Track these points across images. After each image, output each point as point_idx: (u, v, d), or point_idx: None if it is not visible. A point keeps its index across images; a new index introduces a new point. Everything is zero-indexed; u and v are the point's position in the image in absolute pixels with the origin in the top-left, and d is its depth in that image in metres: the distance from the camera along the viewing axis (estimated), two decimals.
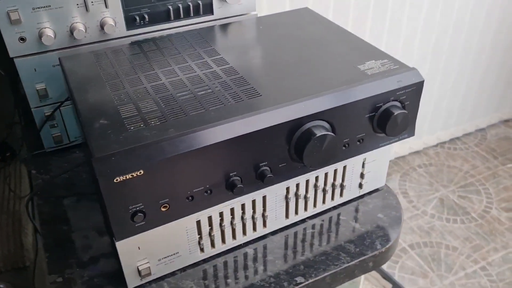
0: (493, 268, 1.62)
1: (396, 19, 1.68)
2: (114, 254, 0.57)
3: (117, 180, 0.49)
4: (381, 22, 1.66)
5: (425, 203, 1.88)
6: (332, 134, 0.58)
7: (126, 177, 0.50)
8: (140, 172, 0.50)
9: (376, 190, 0.76)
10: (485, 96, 2.16)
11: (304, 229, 0.70)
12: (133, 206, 0.52)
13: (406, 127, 0.65)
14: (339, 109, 0.59)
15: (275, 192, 0.64)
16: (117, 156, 0.50)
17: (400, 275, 1.61)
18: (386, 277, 1.58)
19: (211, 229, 0.62)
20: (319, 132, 0.57)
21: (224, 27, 0.81)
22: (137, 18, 0.78)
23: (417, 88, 0.64)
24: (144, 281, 0.61)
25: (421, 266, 1.64)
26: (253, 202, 0.64)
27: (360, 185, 0.73)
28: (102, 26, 0.75)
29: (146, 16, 0.79)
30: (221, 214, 0.62)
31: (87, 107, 0.58)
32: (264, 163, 0.58)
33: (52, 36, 0.72)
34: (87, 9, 0.74)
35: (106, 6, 0.75)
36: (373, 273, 1.60)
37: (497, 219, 1.81)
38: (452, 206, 1.87)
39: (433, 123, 2.09)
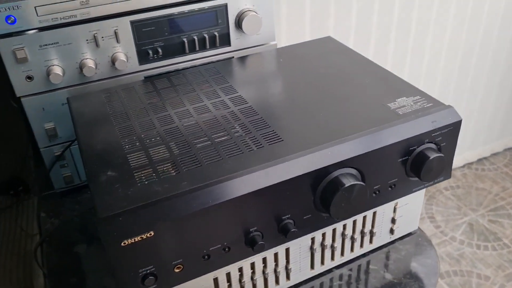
0: None
1: (420, 39, 1.62)
2: None
3: (124, 243, 0.45)
4: (404, 44, 1.60)
5: (453, 228, 1.80)
6: (362, 183, 0.52)
7: (134, 239, 0.45)
8: (150, 234, 0.45)
9: (408, 234, 0.70)
10: None
11: (331, 279, 0.64)
12: (143, 269, 0.47)
13: (442, 171, 0.59)
14: (369, 155, 0.54)
15: (299, 244, 0.59)
16: (125, 216, 0.45)
17: None
18: None
19: (229, 286, 0.57)
20: (347, 182, 0.51)
21: (242, 60, 0.76)
22: (150, 52, 0.74)
23: (454, 128, 0.58)
24: None
25: None
26: (275, 255, 0.58)
27: (391, 231, 0.67)
28: (113, 61, 0.72)
29: (160, 50, 0.75)
30: (240, 270, 0.57)
31: (93, 155, 0.54)
32: (287, 216, 0.53)
33: (61, 74, 0.69)
34: (97, 45, 0.70)
35: (118, 41, 0.71)
36: None
37: None
38: (483, 231, 1.78)
39: (459, 143, 2.00)
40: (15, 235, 0.92)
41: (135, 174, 0.51)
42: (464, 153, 2.05)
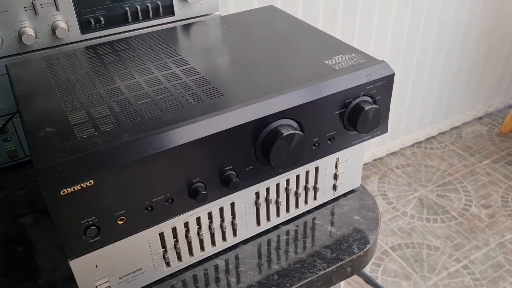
0: (476, 266, 1.61)
1: (366, 20, 1.67)
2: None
3: (63, 192, 0.45)
4: (351, 23, 1.65)
5: (404, 204, 1.87)
6: (300, 133, 0.54)
7: (74, 188, 0.45)
8: (90, 182, 0.46)
9: (352, 192, 0.73)
10: (458, 94, 2.16)
11: (278, 236, 0.66)
12: (85, 220, 0.48)
13: (379, 123, 0.62)
14: (307, 106, 0.56)
15: (243, 198, 0.60)
16: (63, 165, 0.45)
17: (383, 279, 1.58)
18: (369, 281, 1.54)
19: (176, 241, 0.58)
20: (286, 131, 0.53)
21: (186, 27, 0.77)
22: (92, 21, 0.74)
23: (388, 81, 0.61)
24: None
25: (404, 268, 1.61)
26: (221, 209, 0.59)
27: (334, 187, 0.69)
28: (54, 30, 0.71)
29: (102, 19, 0.74)
30: (186, 225, 0.58)
31: (33, 115, 0.54)
32: (229, 167, 0.54)
33: None
34: (36, 12, 0.69)
35: (57, 9, 0.70)
36: (356, 277, 1.57)
37: (477, 217, 1.80)
38: (432, 205, 1.86)
39: (408, 123, 2.08)
40: None
41: (74, 130, 0.51)
42: (413, 132, 2.13)
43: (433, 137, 2.22)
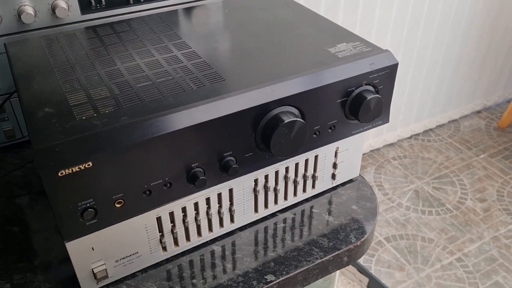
0: (469, 259, 1.62)
1: (368, 12, 1.66)
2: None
3: (61, 173, 0.44)
4: (353, 15, 1.63)
5: (400, 196, 1.87)
6: (302, 120, 0.54)
7: (72, 170, 0.45)
8: (89, 164, 0.45)
9: (350, 181, 0.72)
10: (457, 88, 2.16)
11: (275, 223, 0.66)
12: (83, 203, 0.47)
13: (380, 113, 0.61)
14: (309, 94, 0.55)
15: (242, 185, 0.60)
16: (62, 146, 0.44)
17: (376, 269, 1.59)
18: (363, 271, 1.55)
19: (173, 226, 0.58)
20: (287, 119, 0.53)
21: (188, 10, 0.76)
22: (93, 1, 0.73)
23: (391, 71, 0.60)
24: (100, 284, 0.56)
25: (398, 259, 1.62)
26: (219, 195, 0.59)
27: (333, 176, 0.69)
28: (53, 9, 0.70)
29: (103, 0, 0.73)
30: (184, 210, 0.57)
31: (31, 95, 0.53)
32: (228, 153, 0.54)
33: None
34: None
35: None
36: (349, 267, 1.57)
37: (472, 210, 1.81)
38: (427, 198, 1.86)
39: (406, 115, 2.08)
40: None
41: (73, 111, 0.50)
42: (411, 125, 2.13)
43: (431, 129, 2.22)
